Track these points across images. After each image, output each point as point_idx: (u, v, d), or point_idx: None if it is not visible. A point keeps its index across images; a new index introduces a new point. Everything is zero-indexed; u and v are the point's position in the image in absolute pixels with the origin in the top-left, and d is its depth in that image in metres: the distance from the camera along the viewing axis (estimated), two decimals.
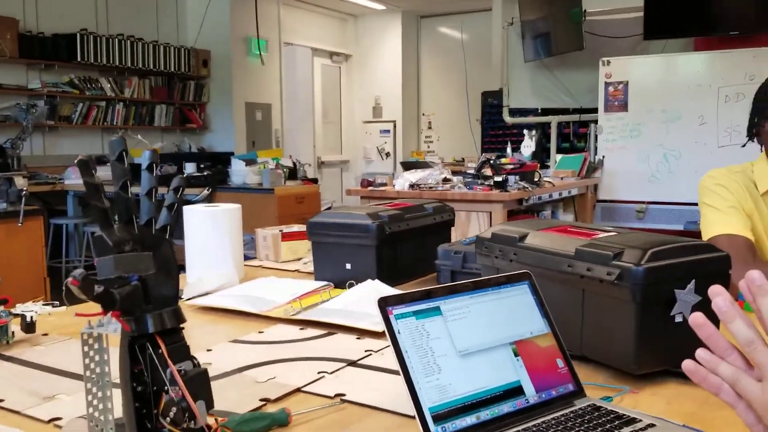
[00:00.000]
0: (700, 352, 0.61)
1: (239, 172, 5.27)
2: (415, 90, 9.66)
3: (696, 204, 5.03)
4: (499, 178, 3.69)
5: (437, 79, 9.51)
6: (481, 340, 0.84)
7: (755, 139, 1.74)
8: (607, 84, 5.21)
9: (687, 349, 1.07)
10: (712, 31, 4.96)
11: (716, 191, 1.72)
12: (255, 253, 1.92)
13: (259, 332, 1.22)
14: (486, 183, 3.76)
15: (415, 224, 1.58)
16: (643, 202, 5.14)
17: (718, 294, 0.58)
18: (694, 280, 1.00)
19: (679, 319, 1.00)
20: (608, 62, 5.24)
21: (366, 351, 1.10)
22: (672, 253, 1.00)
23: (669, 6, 4.99)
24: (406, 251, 1.55)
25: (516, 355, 0.86)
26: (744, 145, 1.81)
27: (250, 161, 5.37)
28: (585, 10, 5.61)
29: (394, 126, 9.36)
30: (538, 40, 6.22)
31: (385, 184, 3.91)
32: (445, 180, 3.86)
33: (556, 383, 0.87)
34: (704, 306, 1.02)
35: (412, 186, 3.74)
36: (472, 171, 4.04)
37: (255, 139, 7.73)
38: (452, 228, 1.78)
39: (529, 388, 0.84)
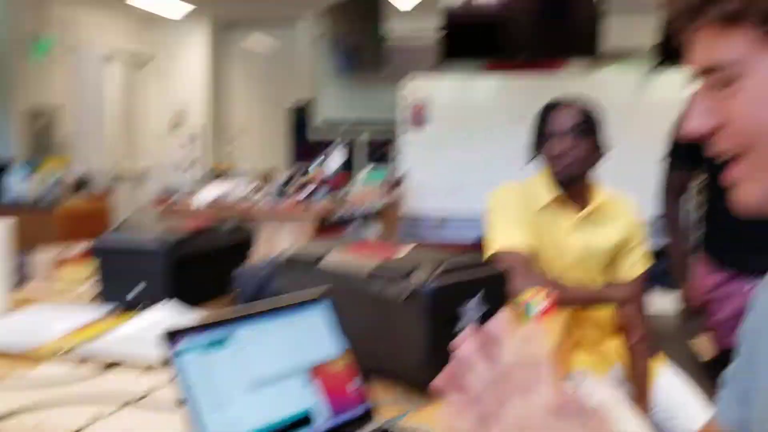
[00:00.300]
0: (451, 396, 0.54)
1: (16, 184, 4.71)
2: (222, 99, 9.44)
3: None
4: (306, 192, 3.70)
5: (245, 89, 9.35)
6: (274, 368, 0.81)
7: (537, 158, 1.90)
8: (410, 101, 5.45)
9: None
10: (502, 55, 5.38)
11: (502, 205, 1.85)
12: (29, 277, 1.72)
13: (27, 372, 1.08)
14: (293, 197, 3.75)
15: (211, 245, 1.52)
16: (443, 215, 5.43)
17: (461, 343, 0.53)
18: (478, 296, 1.05)
19: None
20: (410, 80, 5.48)
21: (149, 388, 1.01)
22: (460, 269, 1.04)
23: (464, 30, 5.34)
24: (201, 274, 1.48)
25: (310, 380, 0.84)
26: (528, 163, 1.97)
27: (29, 172, 4.83)
28: (390, 29, 5.83)
29: (197, 138, 9.05)
30: (346, 56, 6.36)
31: (186, 198, 3.74)
32: (251, 193, 3.79)
33: (350, 406, 0.86)
34: (486, 320, 1.08)
35: (215, 199, 3.62)
36: (279, 184, 4.01)
37: (38, 148, 7.04)
38: (254, 245, 1.73)
39: (321, 415, 0.82)
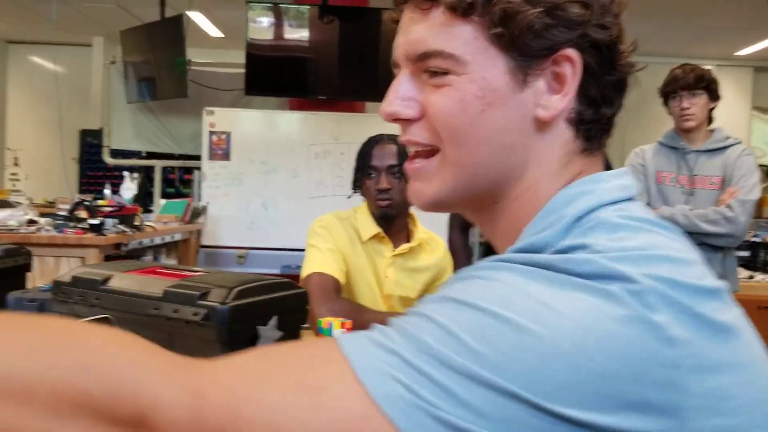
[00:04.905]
0: None
1: None
2: (0, 122, 8.54)
3: (290, 249, 5.35)
4: (94, 221, 3.44)
5: (27, 112, 8.56)
6: None
7: (358, 191, 1.94)
8: (211, 133, 5.33)
9: None
10: (304, 93, 5.47)
11: (320, 233, 1.87)
12: None
13: None
14: (80, 226, 3.47)
15: None
16: (244, 248, 5.34)
17: None
18: (276, 316, 1.05)
19: None
20: (212, 112, 5.37)
21: None
22: (255, 290, 1.03)
23: (269, 66, 5.36)
24: None
25: None
26: (350, 197, 2.00)
27: None
28: (190, 60, 5.68)
29: None
30: (142, 83, 6.07)
31: None
32: (31, 222, 3.45)
33: None
34: (284, 341, 1.08)
35: None
36: (64, 213, 3.69)
37: None
38: (30, 274, 1.57)
39: None
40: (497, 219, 0.65)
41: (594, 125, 0.63)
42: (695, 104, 2.54)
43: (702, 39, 7.01)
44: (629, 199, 0.60)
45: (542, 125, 0.61)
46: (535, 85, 0.61)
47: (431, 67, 0.62)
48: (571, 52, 0.60)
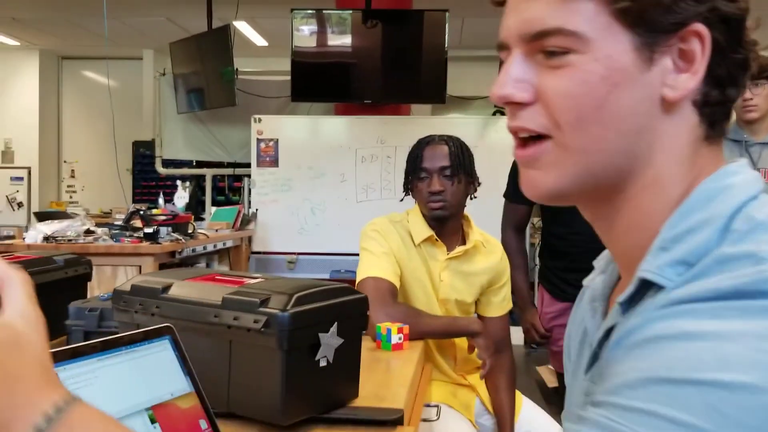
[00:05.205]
0: None
1: None
2: (56, 135, 8.81)
3: (340, 254, 5.35)
4: (149, 230, 3.49)
5: (82, 125, 8.81)
6: (109, 410, 0.72)
7: (410, 194, 1.91)
8: (259, 140, 5.38)
9: (332, 393, 1.09)
10: (349, 98, 5.48)
11: (373, 237, 1.84)
12: None
13: None
14: (135, 235, 3.53)
15: (41, 279, 1.37)
16: (293, 253, 5.37)
17: None
18: (336, 323, 1.02)
19: (323, 363, 1.01)
20: (260, 120, 5.43)
21: None
22: (316, 296, 1.01)
23: (314, 72, 5.39)
24: None
25: (153, 421, 0.76)
26: (402, 200, 1.97)
27: None
28: (237, 69, 5.75)
29: (29, 173, 8.36)
30: (192, 94, 6.17)
31: (13, 237, 3.40)
32: (88, 232, 3.52)
33: None
34: (345, 347, 1.05)
35: (47, 239, 3.33)
36: (119, 223, 3.77)
37: None
38: (89, 283, 1.59)
39: None
40: (618, 212, 0.60)
41: (719, 108, 0.58)
42: (758, 95, 2.44)
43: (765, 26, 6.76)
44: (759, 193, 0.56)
45: (669, 107, 0.57)
46: (661, 63, 0.56)
47: (549, 46, 0.57)
48: (701, 27, 0.55)
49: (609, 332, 0.58)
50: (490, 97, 0.62)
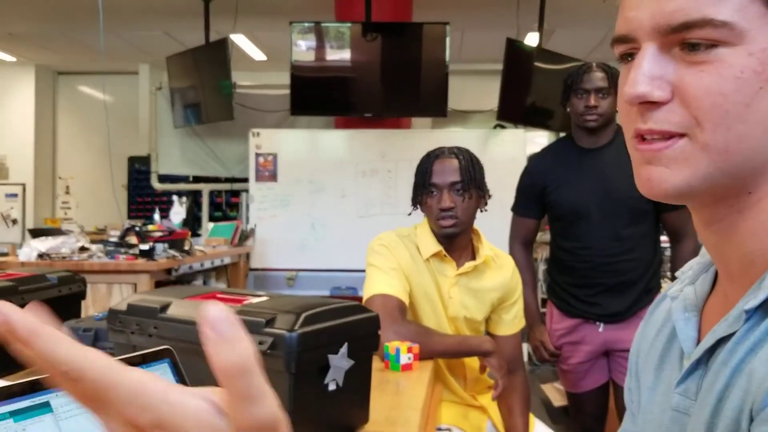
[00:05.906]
0: None
1: None
2: (51, 150, 8.74)
3: (340, 270, 5.27)
4: (145, 246, 3.42)
5: (78, 141, 8.75)
6: None
7: (418, 208, 1.85)
8: (257, 155, 5.32)
9: (341, 419, 1.02)
10: (349, 111, 5.43)
11: (381, 252, 1.77)
12: None
13: None
14: (130, 252, 3.46)
15: (32, 297, 1.30)
16: (293, 270, 5.29)
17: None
18: (346, 344, 0.96)
19: (332, 386, 0.94)
20: (258, 134, 5.37)
21: None
22: (324, 315, 0.94)
23: (313, 86, 5.34)
24: None
25: None
26: (410, 214, 1.91)
27: None
28: (235, 83, 5.70)
29: (24, 189, 8.29)
30: (189, 108, 6.11)
31: (6, 254, 3.33)
32: (83, 249, 3.45)
33: None
34: (356, 370, 0.99)
35: (41, 256, 3.25)
36: (114, 239, 3.70)
37: None
38: (84, 301, 1.52)
39: None
40: (742, 214, 0.56)
41: None
42: None
43: None
44: None
45: None
46: None
47: (693, 39, 0.52)
48: None
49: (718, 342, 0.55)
50: (623, 96, 0.56)
